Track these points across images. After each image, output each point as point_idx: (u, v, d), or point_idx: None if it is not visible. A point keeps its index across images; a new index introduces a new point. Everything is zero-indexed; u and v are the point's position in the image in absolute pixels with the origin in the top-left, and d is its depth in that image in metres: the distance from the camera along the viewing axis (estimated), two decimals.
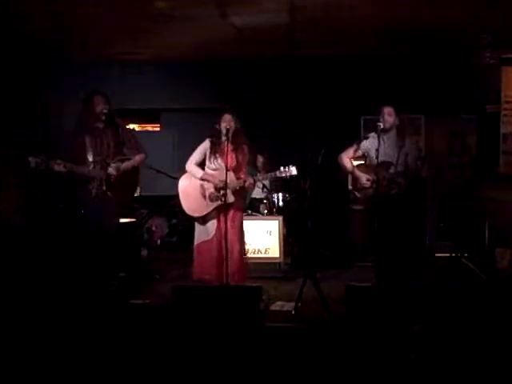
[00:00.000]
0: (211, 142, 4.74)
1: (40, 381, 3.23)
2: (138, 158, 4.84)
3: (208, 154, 4.75)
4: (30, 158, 4.49)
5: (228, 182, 4.46)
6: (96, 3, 5.31)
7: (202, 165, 4.80)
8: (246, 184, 4.59)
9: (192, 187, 4.75)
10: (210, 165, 4.73)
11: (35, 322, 3.92)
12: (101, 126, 4.76)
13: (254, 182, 4.68)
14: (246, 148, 4.75)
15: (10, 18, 5.75)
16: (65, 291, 4.82)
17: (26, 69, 6.93)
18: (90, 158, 4.67)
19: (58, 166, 4.54)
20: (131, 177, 4.84)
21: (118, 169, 4.68)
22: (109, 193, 4.66)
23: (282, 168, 4.60)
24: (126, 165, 4.74)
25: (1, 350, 3.52)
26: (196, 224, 4.79)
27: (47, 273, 5.54)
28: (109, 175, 4.67)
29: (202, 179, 4.72)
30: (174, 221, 7.38)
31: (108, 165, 4.68)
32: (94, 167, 4.66)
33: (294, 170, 4.53)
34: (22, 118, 6.77)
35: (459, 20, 5.80)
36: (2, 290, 4.82)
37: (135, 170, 4.87)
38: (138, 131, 8.44)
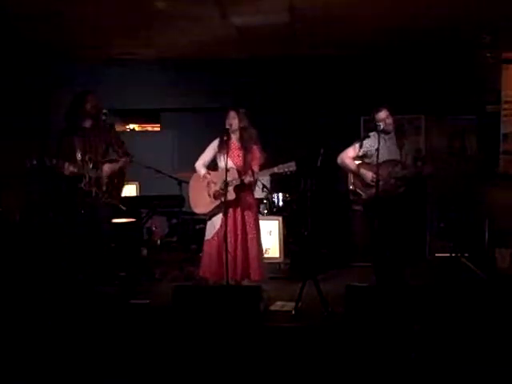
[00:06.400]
0: (220, 141, 4.74)
1: (40, 381, 3.23)
2: (121, 160, 4.89)
3: (217, 152, 4.76)
4: (46, 159, 4.55)
5: (230, 179, 4.48)
6: (96, 3, 5.32)
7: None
8: (246, 180, 4.58)
9: (200, 184, 4.79)
10: (220, 163, 4.75)
11: (34, 321, 3.92)
12: (89, 125, 4.78)
13: (254, 178, 4.65)
14: (255, 149, 4.70)
15: (9, 18, 5.75)
16: (64, 291, 4.83)
17: (26, 69, 6.93)
18: (79, 157, 4.70)
19: (68, 168, 4.57)
20: (118, 180, 4.88)
21: (111, 169, 4.74)
22: (96, 191, 4.69)
23: (280, 164, 4.53)
24: (115, 166, 4.83)
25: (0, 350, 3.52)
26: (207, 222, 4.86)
27: (47, 272, 5.54)
28: (98, 175, 4.70)
29: (204, 177, 4.76)
30: (174, 221, 7.38)
31: (99, 164, 4.71)
32: (83, 166, 4.68)
33: (293, 166, 4.44)
34: (22, 117, 6.77)
35: (459, 20, 5.80)
36: (1, 290, 4.82)
37: (122, 173, 4.91)
38: (138, 131, 8.46)
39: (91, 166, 4.70)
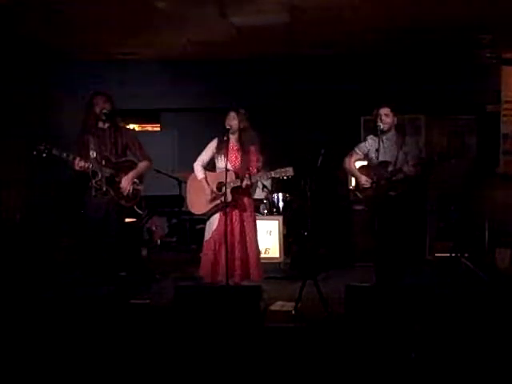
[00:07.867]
0: (218, 141, 4.72)
1: (40, 381, 3.23)
2: (142, 164, 4.84)
3: (215, 152, 4.74)
4: (56, 150, 4.51)
5: (228, 181, 4.45)
6: (96, 3, 5.32)
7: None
8: (243, 184, 4.57)
9: (198, 185, 4.77)
10: (218, 164, 4.74)
11: (34, 321, 3.92)
12: (103, 126, 4.76)
13: (251, 181, 4.65)
14: (253, 149, 4.69)
15: (9, 18, 5.75)
16: (64, 291, 4.83)
17: (26, 69, 6.93)
18: (93, 156, 4.66)
19: (79, 163, 4.55)
20: (135, 183, 4.84)
21: (129, 180, 4.71)
22: (111, 191, 4.66)
23: (278, 169, 4.52)
24: (133, 174, 4.76)
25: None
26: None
27: (47, 272, 5.55)
28: (111, 174, 4.67)
29: (201, 180, 4.74)
30: (174, 221, 7.39)
31: (113, 164, 4.69)
32: (97, 164, 4.64)
33: (290, 171, 4.44)
34: (22, 117, 6.77)
35: (459, 20, 5.80)
36: (2, 289, 4.82)
37: (140, 177, 4.88)
38: (138, 131, 8.45)
39: (104, 164, 4.65)
